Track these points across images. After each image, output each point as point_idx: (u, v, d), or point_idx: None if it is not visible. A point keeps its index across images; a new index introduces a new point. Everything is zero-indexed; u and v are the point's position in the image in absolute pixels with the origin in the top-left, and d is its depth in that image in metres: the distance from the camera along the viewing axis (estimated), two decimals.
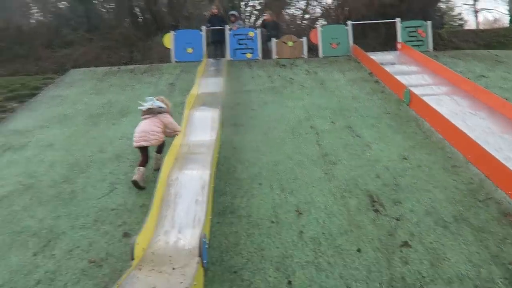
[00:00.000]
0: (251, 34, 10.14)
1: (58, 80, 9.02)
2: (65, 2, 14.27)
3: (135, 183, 4.46)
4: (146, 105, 4.83)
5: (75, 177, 4.88)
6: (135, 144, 4.69)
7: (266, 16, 11.09)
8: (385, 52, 10.00)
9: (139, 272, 3.10)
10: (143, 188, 4.49)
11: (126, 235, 3.81)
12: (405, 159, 4.94)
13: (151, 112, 4.82)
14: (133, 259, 3.21)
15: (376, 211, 3.96)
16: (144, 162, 4.63)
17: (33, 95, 8.08)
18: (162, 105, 4.89)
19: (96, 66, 10.54)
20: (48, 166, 5.17)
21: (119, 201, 4.35)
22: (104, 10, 15.07)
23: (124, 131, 6.03)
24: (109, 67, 10.00)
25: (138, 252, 3.27)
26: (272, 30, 10.43)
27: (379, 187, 4.36)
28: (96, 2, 14.60)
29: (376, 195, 4.22)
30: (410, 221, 3.79)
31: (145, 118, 4.85)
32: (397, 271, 3.19)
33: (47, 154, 5.50)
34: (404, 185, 4.38)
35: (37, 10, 14.35)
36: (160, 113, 4.83)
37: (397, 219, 3.82)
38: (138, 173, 4.50)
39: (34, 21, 14.28)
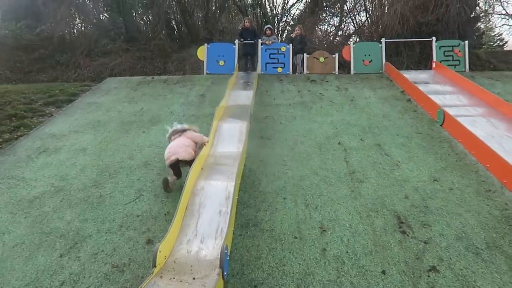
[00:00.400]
0: (283, 49, 10.21)
1: (95, 87, 9.36)
2: (106, 14, 14.89)
3: (165, 182, 4.54)
4: (170, 129, 5.05)
5: (104, 182, 5.00)
6: (167, 162, 4.76)
7: (296, 31, 11.13)
8: (419, 71, 9.81)
9: (160, 280, 3.12)
10: (169, 191, 4.58)
11: (149, 242, 3.85)
12: (436, 180, 4.77)
13: (176, 132, 5.02)
14: (154, 266, 3.24)
15: (403, 232, 3.83)
16: (177, 175, 4.70)
17: (71, 101, 8.42)
18: (185, 126, 5.10)
19: (131, 76, 10.90)
20: (79, 170, 5.34)
21: (145, 208, 4.42)
22: (142, 22, 15.61)
23: (153, 140, 6.16)
24: (143, 76, 10.31)
25: (160, 259, 3.30)
26: (298, 44, 10.44)
27: (407, 208, 4.23)
28: (135, 14, 15.14)
29: (403, 216, 4.09)
30: (439, 245, 3.64)
31: (171, 140, 5.02)
32: None
33: (79, 158, 5.68)
34: (434, 208, 4.22)
35: (80, 20, 15.02)
36: (184, 131, 5.02)
37: (425, 242, 3.68)
38: (171, 176, 4.64)
39: (76, 31, 14.95)
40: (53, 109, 8.01)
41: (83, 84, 9.98)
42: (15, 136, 6.59)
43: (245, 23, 10.62)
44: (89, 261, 3.62)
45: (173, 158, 4.68)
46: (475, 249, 3.57)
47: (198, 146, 5.10)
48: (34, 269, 3.57)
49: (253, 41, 10.27)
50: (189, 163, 4.69)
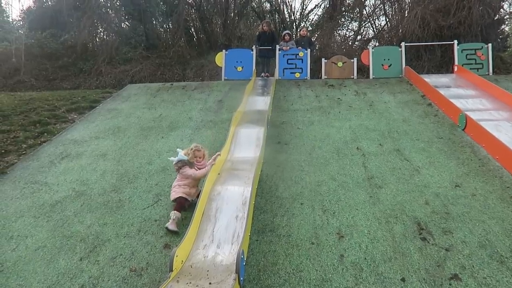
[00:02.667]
0: (301, 54, 10.19)
1: (115, 94, 9.55)
2: (127, 22, 15.22)
3: (167, 229, 4.13)
4: (174, 160, 4.59)
5: (123, 187, 5.08)
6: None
7: (302, 31, 11.12)
8: (440, 75, 9.64)
9: (177, 284, 3.13)
10: (176, 232, 4.11)
11: (166, 246, 3.88)
12: (458, 186, 4.65)
13: (176, 168, 4.59)
14: (171, 270, 3.25)
15: (424, 239, 3.74)
16: (178, 208, 4.30)
17: (92, 107, 8.61)
18: (182, 157, 4.53)
19: (151, 82, 11.08)
20: (99, 175, 5.44)
21: (163, 213, 4.46)
22: (161, 30, 15.88)
23: (172, 145, 6.23)
24: (163, 83, 10.47)
25: (177, 264, 3.31)
26: (307, 46, 10.40)
27: (427, 215, 4.13)
28: (155, 22, 15.42)
29: (424, 223, 3.99)
30: (462, 253, 3.53)
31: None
32: None
33: (99, 163, 5.79)
34: (455, 214, 4.11)
35: (102, 29, 15.40)
36: (181, 168, 4.53)
37: (447, 250, 3.58)
38: (171, 220, 4.16)
39: (98, 40, 15.32)
40: (75, 116, 8.21)
41: (104, 91, 10.21)
42: (39, 142, 6.77)
43: (264, 27, 10.54)
44: (108, 265, 3.67)
45: (172, 197, 4.47)
46: (499, 257, 3.45)
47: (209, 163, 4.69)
48: (55, 272, 3.64)
49: (270, 47, 10.25)
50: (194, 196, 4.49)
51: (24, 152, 6.38)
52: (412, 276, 3.30)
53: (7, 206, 4.82)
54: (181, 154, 4.56)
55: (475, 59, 9.75)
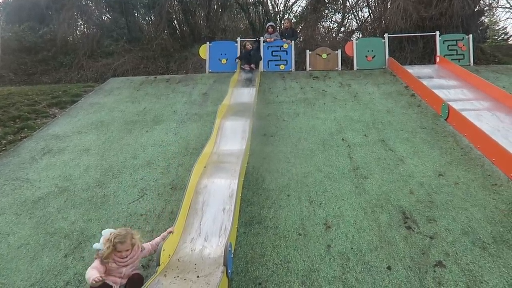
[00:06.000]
0: (286, 46, 10.16)
1: (98, 88, 9.37)
2: (108, 15, 14.91)
3: None
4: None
5: (108, 182, 5.00)
6: None
7: (285, 23, 11.04)
8: (423, 66, 9.74)
9: (164, 278, 3.11)
10: None
11: None
12: (441, 175, 4.73)
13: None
14: (158, 265, 3.23)
15: (409, 228, 3.80)
16: None
17: (74, 102, 8.43)
18: (99, 247, 3.17)
19: (134, 76, 10.90)
20: (83, 170, 5.34)
21: (148, 207, 4.41)
22: (144, 22, 15.61)
23: (156, 139, 6.15)
24: (146, 76, 10.31)
25: (164, 258, 3.29)
26: (290, 37, 10.36)
27: (412, 203, 4.19)
28: (137, 14, 15.15)
29: (409, 212, 4.05)
30: (445, 240, 3.60)
31: None
32: None
33: (82, 158, 5.69)
34: (439, 203, 4.18)
35: (82, 22, 15.05)
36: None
37: (431, 237, 3.64)
38: None
39: (79, 33, 14.99)
40: (57, 110, 8.03)
41: (86, 85, 10.00)
42: (19, 138, 6.61)
43: (247, 46, 9.90)
44: (93, 261, 3.61)
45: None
46: (481, 243, 3.53)
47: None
48: (39, 270, 3.57)
49: (250, 66, 9.73)
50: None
51: (3, 148, 6.21)
52: (397, 264, 3.34)
53: None
54: (97, 244, 3.20)
55: (456, 50, 9.88)
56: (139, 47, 13.25)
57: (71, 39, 14.28)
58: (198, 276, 3.11)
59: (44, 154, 5.91)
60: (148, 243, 3.44)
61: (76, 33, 15.08)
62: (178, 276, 3.12)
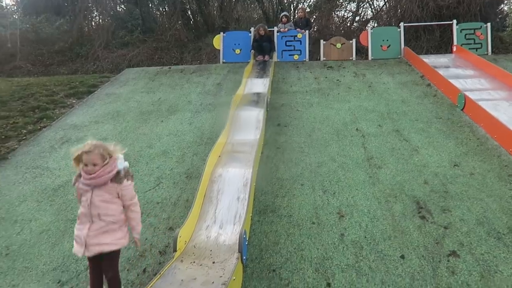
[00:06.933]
0: (300, 36, 10.10)
1: (113, 78, 9.49)
2: (122, 6, 15.01)
3: None
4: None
5: None
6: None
7: (299, 13, 10.93)
8: (439, 55, 9.59)
9: (181, 263, 3.19)
10: None
11: (169, 228, 3.93)
12: (456, 165, 4.69)
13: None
14: (175, 251, 3.32)
15: (423, 217, 3.80)
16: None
17: (90, 92, 8.57)
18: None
19: (149, 66, 11.00)
20: None
21: (164, 195, 4.50)
22: (158, 13, 15.67)
23: (171, 129, 6.24)
24: (161, 67, 10.39)
25: (180, 244, 3.38)
26: (304, 27, 10.28)
27: (426, 193, 4.18)
28: (151, 5, 15.21)
29: (423, 202, 4.05)
30: (460, 230, 3.60)
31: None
32: (443, 280, 3.04)
33: None
34: (454, 193, 4.17)
35: (97, 13, 15.19)
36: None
37: (445, 227, 3.64)
38: None
39: (94, 24, 15.14)
40: (74, 101, 8.18)
41: (102, 76, 10.14)
42: (39, 127, 6.77)
43: (260, 31, 9.66)
44: None
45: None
46: (496, 234, 3.52)
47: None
48: (60, 255, 3.70)
49: (264, 54, 9.68)
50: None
51: (24, 138, 6.38)
52: (411, 253, 3.36)
53: (10, 191, 4.86)
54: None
55: (474, 39, 9.68)
56: (153, 38, 13.33)
57: (86, 30, 14.44)
58: (213, 262, 3.19)
59: (63, 144, 6.05)
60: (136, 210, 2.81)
61: (92, 24, 15.24)
62: (194, 262, 3.21)
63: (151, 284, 2.83)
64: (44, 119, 7.12)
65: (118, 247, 2.74)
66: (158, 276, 2.94)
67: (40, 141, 6.21)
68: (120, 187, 2.72)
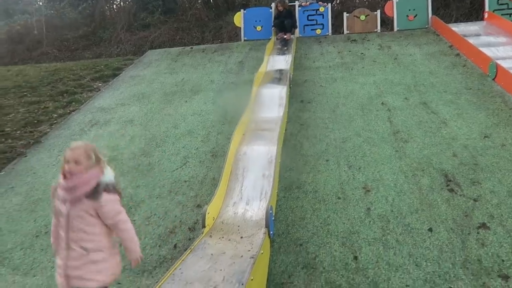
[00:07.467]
0: (322, 9, 9.86)
1: (137, 61, 9.60)
2: None
3: None
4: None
5: (152, 151, 5.23)
6: None
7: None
8: (470, 23, 9.17)
9: (210, 239, 3.29)
10: None
11: (197, 205, 4.03)
12: (487, 137, 4.56)
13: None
14: (204, 227, 3.41)
15: (451, 190, 3.74)
16: None
17: (115, 75, 8.72)
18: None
19: (170, 47, 11.04)
20: (128, 140, 5.60)
21: (191, 174, 4.60)
22: None
23: (196, 108, 6.30)
24: (182, 47, 10.41)
25: (209, 220, 3.46)
26: (326, 0, 9.97)
27: (455, 166, 4.10)
28: None
29: (451, 174, 3.98)
30: (490, 202, 3.53)
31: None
32: (473, 253, 3.01)
33: (127, 129, 5.95)
34: (484, 165, 4.07)
35: None
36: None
37: (475, 200, 3.58)
38: None
39: (115, 7, 15.24)
40: (100, 84, 8.35)
41: (125, 59, 10.28)
42: (68, 111, 6.98)
43: (278, 7, 9.34)
44: (143, 224, 3.87)
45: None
46: None
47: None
48: None
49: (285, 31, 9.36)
50: None
51: (55, 122, 6.60)
52: (439, 226, 3.34)
53: (45, 173, 5.08)
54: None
55: (507, 4, 9.18)
56: (174, 18, 13.33)
57: (108, 13, 14.57)
58: (241, 237, 3.26)
59: (92, 126, 6.23)
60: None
61: (113, 7, 15.34)
62: (223, 237, 3.29)
63: (182, 258, 2.94)
64: (73, 103, 7.32)
65: (103, 285, 2.17)
66: (189, 251, 3.04)
67: (70, 125, 6.41)
68: (97, 204, 2.12)
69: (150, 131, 5.81)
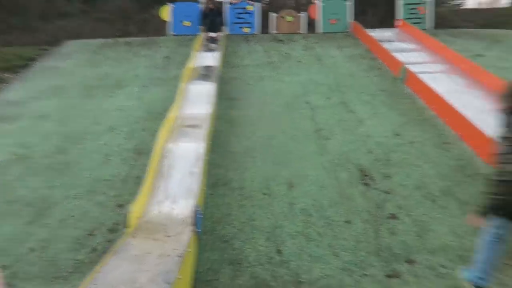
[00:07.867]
0: (250, 8, 9.98)
1: (53, 51, 8.92)
2: None
3: None
4: None
5: (69, 148, 4.90)
6: None
7: None
8: (384, 29, 9.90)
9: (134, 239, 3.17)
10: None
11: (119, 205, 3.86)
12: (398, 135, 4.97)
13: None
14: (127, 227, 3.28)
15: (366, 184, 4.03)
16: None
17: (28, 66, 8.01)
18: None
19: (91, 38, 10.39)
20: (42, 137, 5.19)
21: (113, 172, 4.39)
22: None
23: (119, 104, 6.04)
24: (105, 39, 9.86)
25: (132, 220, 3.33)
26: None
27: (370, 162, 4.42)
28: None
29: (367, 169, 4.28)
30: (400, 195, 3.86)
31: None
32: (385, 241, 3.26)
33: (41, 125, 5.51)
34: (395, 160, 4.43)
35: None
36: None
37: (387, 193, 3.89)
38: None
39: None
40: (10, 75, 7.60)
41: (40, 48, 9.46)
42: None
43: (210, 6, 9.19)
44: (58, 227, 3.60)
45: None
46: (432, 196, 3.81)
47: None
48: (1, 238, 3.50)
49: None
50: None
51: None
52: (356, 218, 3.57)
53: None
54: None
55: (416, 14, 10.08)
56: (95, 8, 12.57)
57: None
58: (168, 236, 3.19)
59: None
60: None
61: None
62: (148, 237, 3.19)
63: (104, 261, 2.79)
64: None
65: None
66: (111, 253, 2.91)
67: None
68: None
69: (68, 127, 5.43)
